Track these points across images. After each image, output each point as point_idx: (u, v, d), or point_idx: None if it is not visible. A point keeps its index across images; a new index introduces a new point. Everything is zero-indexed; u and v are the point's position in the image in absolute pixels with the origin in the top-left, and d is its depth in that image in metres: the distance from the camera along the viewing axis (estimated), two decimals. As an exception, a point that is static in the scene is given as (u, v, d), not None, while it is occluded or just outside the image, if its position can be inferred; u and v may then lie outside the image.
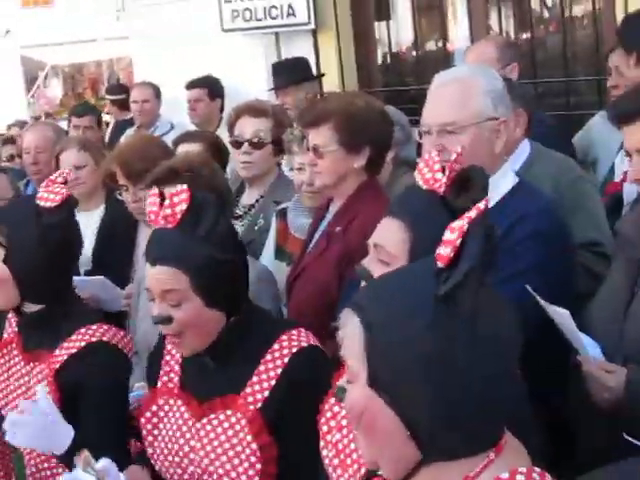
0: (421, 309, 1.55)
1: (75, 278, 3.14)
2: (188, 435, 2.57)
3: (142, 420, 2.67)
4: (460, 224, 1.58)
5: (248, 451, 2.47)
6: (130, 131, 8.08)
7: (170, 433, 2.62)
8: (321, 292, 3.31)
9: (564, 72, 6.59)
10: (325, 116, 3.36)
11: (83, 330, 2.85)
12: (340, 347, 1.63)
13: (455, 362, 1.53)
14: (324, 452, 2.31)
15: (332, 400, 2.33)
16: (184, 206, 2.47)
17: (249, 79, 7.37)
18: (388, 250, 2.22)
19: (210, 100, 7.50)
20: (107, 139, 8.40)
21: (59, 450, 2.66)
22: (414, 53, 7.56)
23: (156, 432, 2.65)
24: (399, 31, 7.69)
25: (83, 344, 2.82)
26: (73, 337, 2.84)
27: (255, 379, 2.52)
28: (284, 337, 2.54)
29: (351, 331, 1.60)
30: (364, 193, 3.38)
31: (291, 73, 6.49)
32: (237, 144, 4.49)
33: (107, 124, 9.94)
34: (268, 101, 5.24)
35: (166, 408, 2.65)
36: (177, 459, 2.60)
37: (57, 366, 2.81)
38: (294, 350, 2.52)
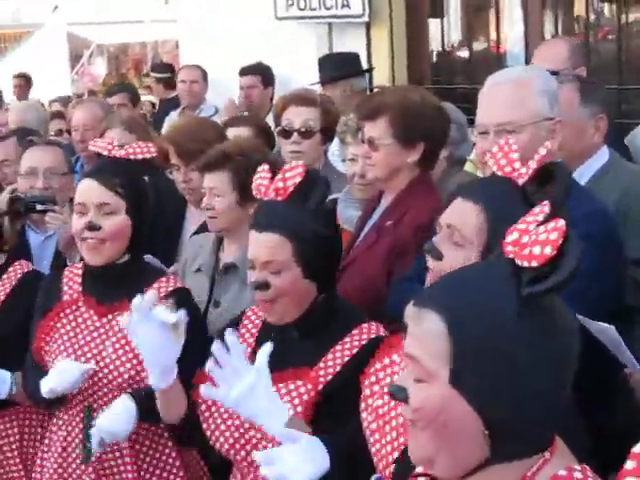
0: (505, 308, 1.54)
1: None
2: None
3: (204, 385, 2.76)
4: (560, 225, 1.55)
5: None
6: (174, 113, 8.09)
7: None
8: (368, 286, 3.29)
9: (618, 79, 6.51)
10: (382, 109, 3.35)
11: (164, 279, 3.14)
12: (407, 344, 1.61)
13: (536, 362, 1.53)
14: (363, 414, 2.34)
15: (378, 365, 2.36)
16: (298, 180, 2.62)
17: (299, 69, 7.35)
18: (464, 233, 2.19)
19: (264, 88, 7.48)
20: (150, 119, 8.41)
21: None
22: (466, 52, 7.52)
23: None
24: (452, 29, 7.66)
25: (170, 289, 3.09)
26: (155, 285, 3.08)
27: (330, 356, 2.63)
28: (364, 324, 2.67)
29: (429, 329, 1.57)
30: (416, 188, 3.37)
31: (336, 68, 6.45)
32: (286, 133, 4.47)
33: (153, 105, 9.98)
34: (315, 90, 5.21)
35: None
36: (237, 422, 2.66)
37: None
38: (372, 336, 2.63)
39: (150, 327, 2.60)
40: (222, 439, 2.70)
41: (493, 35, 7.22)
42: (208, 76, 8.05)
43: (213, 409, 2.72)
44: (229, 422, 2.69)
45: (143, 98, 9.75)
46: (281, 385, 2.61)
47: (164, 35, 10.53)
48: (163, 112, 8.51)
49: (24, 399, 3.33)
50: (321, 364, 2.62)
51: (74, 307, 3.16)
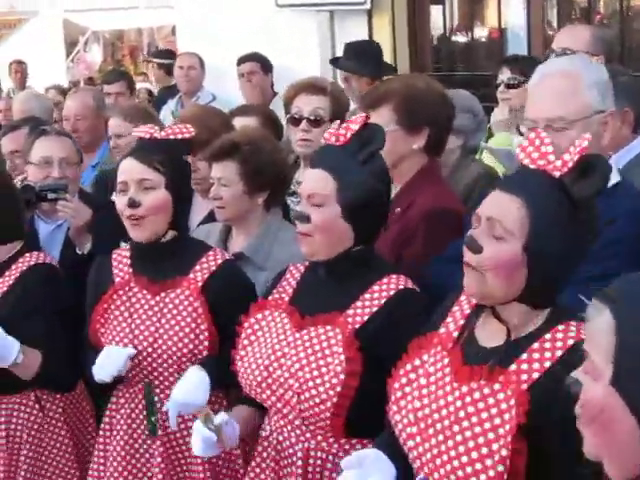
0: None
1: None
2: (284, 343, 2.78)
3: (245, 324, 2.88)
4: None
5: (336, 361, 2.66)
6: (172, 102, 8.06)
7: (268, 340, 2.82)
8: None
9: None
10: (385, 97, 3.35)
11: (211, 252, 3.26)
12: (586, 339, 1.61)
13: None
14: (396, 417, 2.35)
15: (408, 366, 2.37)
16: (356, 127, 2.75)
17: (300, 57, 7.33)
18: (505, 226, 2.18)
19: (264, 74, 7.46)
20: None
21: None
22: (467, 38, 7.51)
23: (253, 338, 2.86)
24: (453, 16, 7.64)
25: (220, 262, 3.23)
26: (204, 259, 3.22)
27: (359, 303, 2.74)
28: (393, 275, 2.78)
29: (601, 326, 1.57)
30: (424, 177, 3.36)
31: (373, 64, 6.33)
32: (295, 121, 4.43)
33: (149, 92, 9.93)
34: (325, 79, 5.18)
35: (269, 318, 2.86)
36: (266, 362, 2.78)
37: (200, 284, 3.17)
38: (400, 287, 2.75)
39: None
40: (251, 377, 2.80)
41: (494, 21, 7.22)
42: (205, 63, 8.02)
43: (249, 349, 2.84)
44: (259, 361, 2.79)
45: (139, 85, 9.71)
46: (312, 329, 2.73)
47: (160, 21, 10.48)
48: (162, 100, 8.47)
49: (26, 372, 3.41)
50: (350, 311, 2.73)
51: (127, 288, 3.24)
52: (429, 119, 3.33)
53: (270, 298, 2.93)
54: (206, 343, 3.14)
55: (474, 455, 2.13)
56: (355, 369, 2.65)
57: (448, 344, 2.33)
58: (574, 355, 2.07)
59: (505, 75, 5.09)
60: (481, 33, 7.56)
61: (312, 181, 2.80)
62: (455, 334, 2.35)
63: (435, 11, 7.57)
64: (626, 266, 2.56)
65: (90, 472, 3.34)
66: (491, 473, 2.10)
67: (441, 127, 3.39)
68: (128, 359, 3.12)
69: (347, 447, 2.73)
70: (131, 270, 3.28)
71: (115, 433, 3.27)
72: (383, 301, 2.72)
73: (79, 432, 3.66)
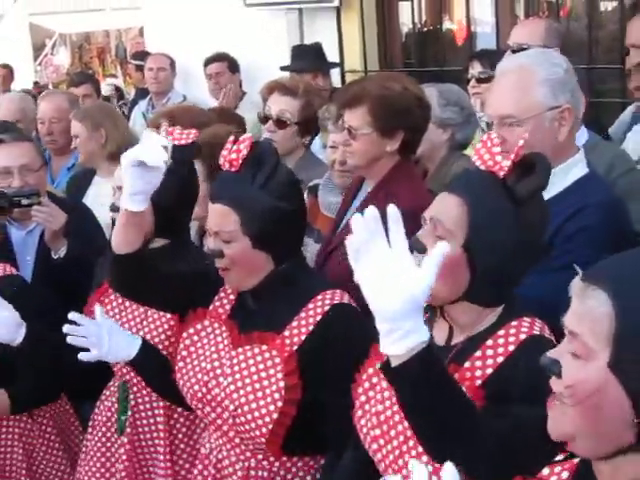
0: None
1: None
2: (223, 359, 2.73)
3: (184, 334, 2.85)
4: None
5: (274, 387, 2.61)
6: (143, 103, 8.03)
7: (207, 353, 2.79)
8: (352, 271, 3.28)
9: (588, 58, 6.54)
10: (361, 98, 3.34)
11: None
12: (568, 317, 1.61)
13: None
14: (362, 422, 2.36)
15: (370, 370, 2.37)
16: (245, 152, 2.64)
17: (269, 56, 7.31)
18: (445, 225, 2.20)
19: (231, 74, 7.46)
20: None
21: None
22: (436, 33, 7.52)
23: (193, 349, 2.83)
24: (422, 11, 7.65)
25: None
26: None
27: (295, 324, 2.66)
28: (328, 292, 2.69)
29: (595, 308, 1.57)
30: (397, 175, 3.37)
31: (311, 59, 6.49)
32: (264, 120, 4.44)
33: (117, 88, 9.85)
34: (301, 80, 5.16)
35: (209, 329, 2.82)
36: (206, 378, 2.75)
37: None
38: (335, 302, 2.67)
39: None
40: (191, 391, 2.77)
41: (463, 16, 7.23)
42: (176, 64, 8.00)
43: (188, 360, 2.80)
44: (199, 376, 2.76)
45: (109, 81, 9.70)
46: (248, 347, 2.68)
47: (127, 23, 10.41)
48: (133, 105, 8.44)
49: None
50: (286, 332, 2.66)
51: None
52: (404, 123, 3.34)
53: (211, 307, 2.87)
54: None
55: None
56: (294, 397, 2.60)
57: None
58: (526, 350, 2.13)
59: (476, 70, 5.11)
60: (450, 27, 7.58)
61: (216, 217, 2.70)
62: None
63: (404, 7, 7.57)
64: (595, 255, 2.60)
65: (78, 468, 3.33)
66: None
67: (416, 130, 3.40)
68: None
69: (289, 465, 2.72)
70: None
71: (94, 434, 3.28)
72: (319, 318, 2.65)
73: (66, 428, 3.66)
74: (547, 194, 2.28)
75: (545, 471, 1.78)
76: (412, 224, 3.09)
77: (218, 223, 2.68)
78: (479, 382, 2.16)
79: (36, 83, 10.44)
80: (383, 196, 3.33)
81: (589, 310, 1.57)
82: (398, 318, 1.86)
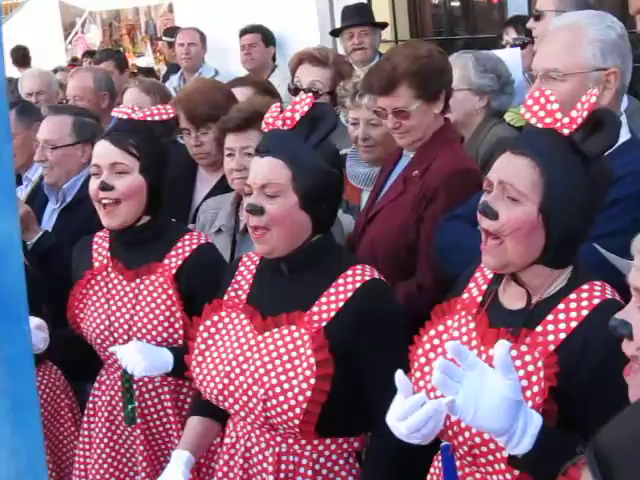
0: None
1: None
2: (246, 347, 2.62)
3: (200, 327, 2.73)
4: None
5: (305, 365, 2.51)
6: (174, 78, 8.03)
7: (227, 344, 2.67)
8: (398, 233, 3.30)
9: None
10: (395, 78, 3.33)
11: (187, 236, 3.14)
12: None
13: None
14: (420, 383, 2.30)
15: (432, 332, 2.34)
16: (305, 109, 2.58)
17: (299, 26, 7.28)
18: (519, 188, 2.15)
19: (265, 46, 7.43)
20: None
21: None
22: (466, 2, 7.45)
23: (211, 342, 2.70)
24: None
25: (194, 246, 3.11)
26: (179, 244, 3.11)
27: (324, 300, 2.58)
28: (358, 267, 2.62)
29: None
30: (440, 137, 3.38)
31: (363, 15, 6.41)
32: (294, 91, 4.42)
33: (147, 71, 9.85)
34: (331, 50, 5.12)
35: (226, 320, 2.71)
36: (227, 368, 2.63)
37: (174, 272, 3.07)
38: (366, 278, 2.59)
39: None
40: (212, 384, 2.66)
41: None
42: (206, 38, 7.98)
43: (207, 354, 2.71)
44: (219, 367, 2.66)
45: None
46: (275, 330, 2.58)
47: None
48: (164, 80, 8.43)
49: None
50: (315, 308, 2.58)
51: (104, 273, 3.18)
52: (444, 82, 3.38)
53: (226, 297, 2.76)
54: (181, 332, 3.05)
55: None
56: (327, 372, 2.50)
57: (472, 309, 2.30)
58: (600, 315, 2.08)
59: (510, 36, 5.07)
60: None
61: (265, 170, 2.59)
62: (479, 299, 2.32)
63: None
64: (631, 224, 2.56)
65: (76, 458, 3.30)
66: None
67: (450, 84, 3.44)
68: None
69: (321, 448, 2.62)
70: (109, 255, 3.21)
71: (97, 420, 3.22)
72: (349, 294, 2.56)
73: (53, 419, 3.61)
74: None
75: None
76: (458, 186, 3.15)
77: (267, 176, 2.58)
78: (552, 347, 2.13)
79: (75, 59, 10.46)
80: (425, 160, 3.34)
81: None
82: (508, 428, 1.98)
